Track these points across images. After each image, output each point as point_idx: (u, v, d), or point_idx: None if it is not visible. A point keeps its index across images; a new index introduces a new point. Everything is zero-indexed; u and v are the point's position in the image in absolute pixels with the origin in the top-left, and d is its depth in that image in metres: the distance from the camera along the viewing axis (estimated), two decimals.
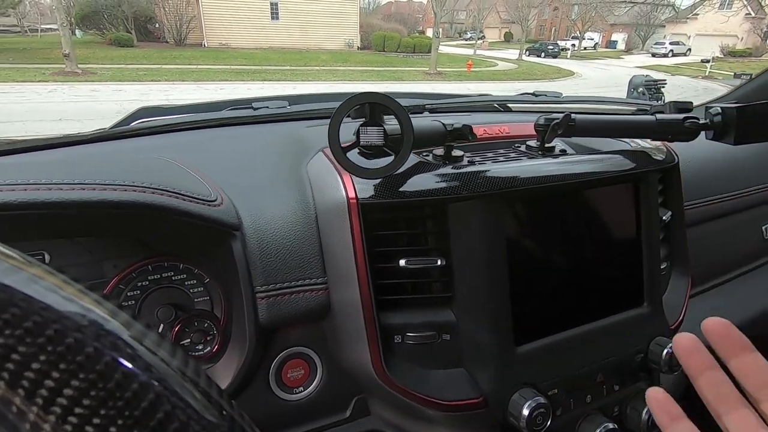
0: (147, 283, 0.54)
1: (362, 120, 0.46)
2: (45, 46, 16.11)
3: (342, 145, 0.41)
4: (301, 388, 0.57)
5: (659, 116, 0.59)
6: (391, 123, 0.46)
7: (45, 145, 0.67)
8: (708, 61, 18.93)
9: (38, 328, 0.14)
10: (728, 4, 27.70)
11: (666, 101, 1.67)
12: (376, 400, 0.60)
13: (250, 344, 0.50)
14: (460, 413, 0.52)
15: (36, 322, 0.14)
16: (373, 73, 13.93)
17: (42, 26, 25.61)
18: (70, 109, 7.56)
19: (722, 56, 24.97)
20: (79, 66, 11.17)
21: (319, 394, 0.57)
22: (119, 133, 0.73)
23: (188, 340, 0.55)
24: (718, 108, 0.58)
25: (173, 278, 0.55)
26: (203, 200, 0.48)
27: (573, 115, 0.57)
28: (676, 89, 12.78)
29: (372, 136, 0.43)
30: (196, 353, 0.55)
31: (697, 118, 0.58)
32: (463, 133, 0.54)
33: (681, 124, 0.58)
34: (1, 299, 0.14)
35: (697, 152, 0.83)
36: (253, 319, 0.50)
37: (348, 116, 0.44)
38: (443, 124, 0.53)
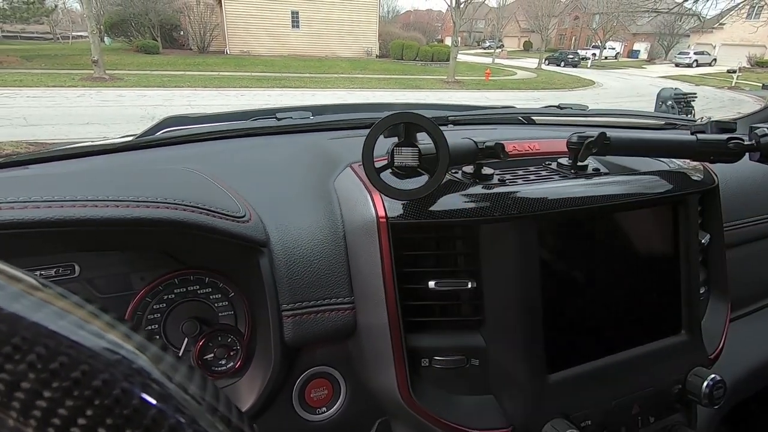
0: (173, 296, 0.54)
1: (393, 137, 0.45)
2: (75, 52, 16.71)
3: (376, 166, 0.40)
4: (324, 409, 0.56)
5: (700, 136, 0.57)
6: (424, 142, 0.45)
7: (76, 154, 0.68)
8: (734, 72, 18.47)
9: (65, 370, 0.14)
10: (756, 14, 27.01)
11: (696, 115, 1.61)
12: (400, 425, 0.58)
13: (275, 363, 0.50)
14: None
15: (63, 363, 0.14)
16: (391, 81, 13.99)
17: (73, 33, 26.61)
18: (97, 113, 7.80)
19: (749, 66, 24.32)
20: (107, 72, 11.54)
21: (342, 415, 0.56)
22: (147, 142, 0.74)
23: (212, 355, 0.54)
24: (765, 129, 0.55)
25: (198, 292, 0.55)
26: (232, 216, 0.48)
27: (608, 133, 0.55)
28: (701, 100, 12.46)
29: (407, 157, 0.42)
30: (219, 368, 0.55)
31: (742, 139, 0.56)
32: (495, 152, 0.52)
33: (724, 145, 0.55)
34: (25, 337, 0.13)
35: (735, 171, 0.79)
36: (278, 337, 0.49)
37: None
38: (475, 142, 0.52)
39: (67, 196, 0.39)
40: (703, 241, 0.64)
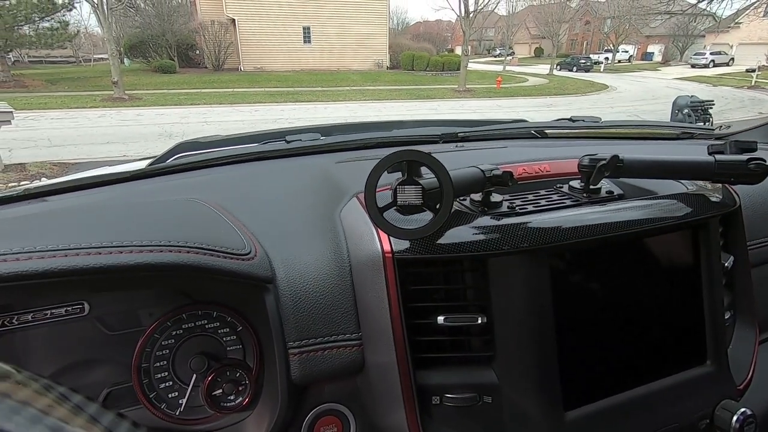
0: (181, 331, 0.54)
1: (397, 172, 0.45)
2: (96, 74, 17.33)
3: (379, 206, 0.39)
4: None
5: (719, 157, 0.54)
6: (428, 176, 0.44)
7: (89, 185, 0.69)
8: (753, 71, 18.04)
9: None
10: None
11: (714, 123, 1.56)
12: None
13: (282, 402, 0.49)
14: None
15: None
16: (402, 92, 14.07)
17: (94, 56, 27.64)
18: (117, 132, 8.04)
19: None
20: (126, 92, 11.92)
21: None
22: (158, 170, 0.75)
23: (220, 390, 0.54)
24: None
25: (206, 326, 0.55)
26: (237, 255, 0.47)
27: (622, 155, 0.53)
28: (719, 100, 12.19)
29: (410, 195, 0.41)
30: (228, 404, 0.54)
31: (763, 160, 0.53)
32: (503, 180, 0.51)
33: (744, 167, 0.53)
34: None
35: (758, 185, 0.76)
36: (285, 375, 0.49)
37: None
38: (482, 170, 0.51)
39: (72, 243, 0.39)
40: (726, 264, 0.62)
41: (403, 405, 0.48)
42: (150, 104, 11.28)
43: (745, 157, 0.54)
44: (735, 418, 0.52)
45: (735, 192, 0.62)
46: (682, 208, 0.55)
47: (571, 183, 0.62)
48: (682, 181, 0.63)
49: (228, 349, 0.56)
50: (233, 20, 19.79)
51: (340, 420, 0.54)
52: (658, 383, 0.53)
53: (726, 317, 0.62)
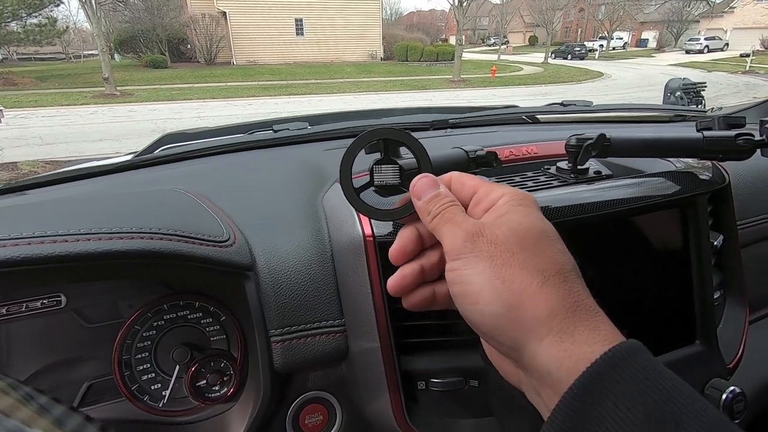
0: (162, 322, 0.53)
1: (375, 153, 0.43)
2: (87, 71, 17.13)
3: (354, 186, 0.38)
4: None
5: (707, 133, 0.53)
6: (409, 157, 0.43)
7: (71, 177, 0.68)
8: (748, 56, 18.04)
9: None
10: None
11: (706, 105, 1.55)
12: None
13: (264, 389, 0.48)
14: None
15: None
16: (397, 83, 14.00)
17: (84, 52, 27.31)
18: (109, 129, 7.97)
19: (763, 49, 23.71)
20: (118, 88, 11.80)
21: None
22: (143, 161, 0.73)
23: (204, 381, 0.53)
24: None
25: (189, 317, 0.54)
26: (215, 242, 0.46)
27: (608, 134, 0.52)
28: (714, 86, 12.19)
29: (387, 175, 0.39)
30: (213, 394, 0.53)
31: (752, 135, 0.52)
32: (488, 160, 0.50)
33: (733, 142, 0.52)
34: None
35: (748, 164, 0.75)
36: (267, 364, 0.48)
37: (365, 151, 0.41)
38: (466, 151, 0.50)
39: (36, 231, 0.38)
40: (715, 243, 0.61)
41: (387, 391, 0.47)
42: (142, 100, 11.17)
43: (733, 132, 0.53)
44: (724, 396, 0.52)
45: (725, 170, 0.61)
46: (670, 186, 0.54)
47: (559, 164, 0.61)
48: (671, 159, 0.62)
49: (212, 339, 0.55)
50: (224, 13, 19.57)
51: (326, 408, 0.54)
52: None
53: (715, 297, 0.61)
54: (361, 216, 0.46)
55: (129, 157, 0.87)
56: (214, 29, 18.89)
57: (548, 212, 0.48)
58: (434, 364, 0.49)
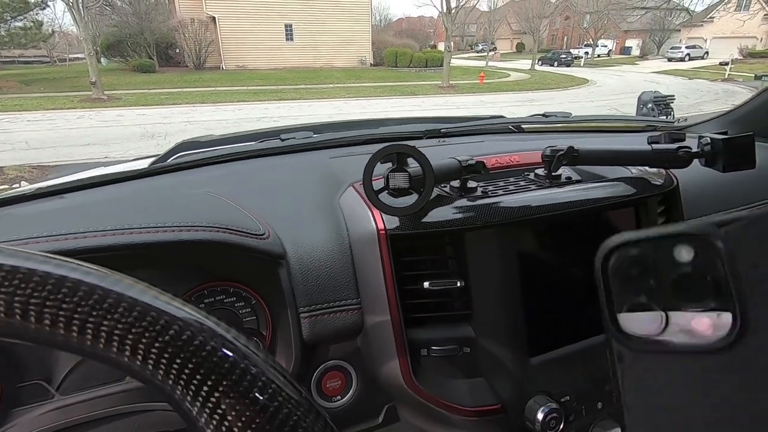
0: (203, 306, 0.62)
1: (387, 162, 0.54)
2: (73, 74, 16.93)
3: (374, 189, 0.48)
4: (339, 397, 0.64)
5: (655, 146, 0.65)
6: (413, 165, 0.53)
7: (97, 183, 0.74)
8: (727, 64, 18.63)
9: (177, 334, 0.21)
10: (745, 6, 27.26)
11: (676, 117, 1.69)
12: (405, 408, 0.66)
13: (296, 358, 0.58)
14: (481, 418, 0.58)
15: (175, 330, 0.21)
16: (387, 89, 14.12)
17: (70, 56, 26.92)
18: (97, 133, 7.90)
19: (741, 58, 24.52)
20: (105, 92, 11.69)
21: (354, 402, 0.64)
22: (161, 168, 0.81)
23: None
24: (708, 138, 0.64)
25: (225, 301, 0.63)
26: (254, 234, 0.56)
27: (576, 146, 0.64)
28: (694, 93, 12.59)
29: (399, 180, 0.50)
30: None
31: (690, 148, 0.64)
32: (477, 168, 0.61)
33: (674, 154, 0.64)
34: (155, 317, 0.21)
35: (698, 172, 0.88)
36: (298, 335, 0.58)
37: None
38: (459, 161, 0.61)
39: (125, 224, 0.47)
40: None
41: (397, 357, 0.57)
42: (130, 104, 11.09)
43: (675, 145, 0.65)
44: None
45: (674, 176, 0.73)
46: (627, 189, 0.66)
47: (536, 171, 0.72)
48: (630, 167, 0.73)
49: (244, 320, 0.64)
50: (214, 18, 19.54)
51: (344, 374, 0.64)
52: (605, 335, 0.63)
53: None
54: (375, 213, 0.57)
55: (137, 164, 0.94)
56: (203, 34, 18.84)
57: (526, 210, 0.59)
58: (434, 335, 0.59)
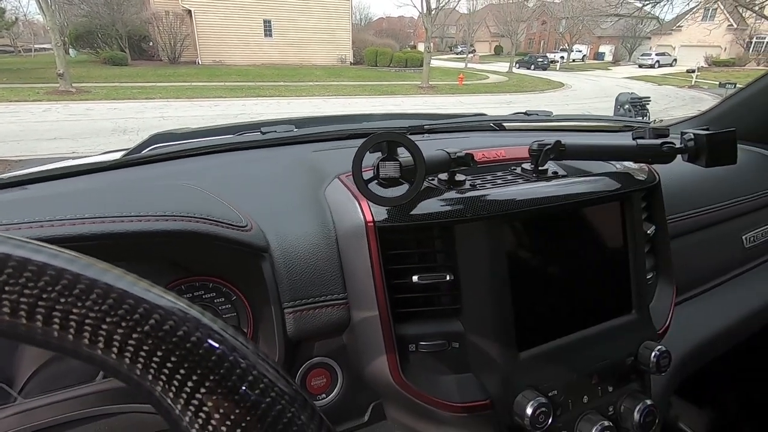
0: None
1: (377, 152, 0.52)
2: (39, 65, 16.19)
3: (364, 178, 0.47)
4: (324, 395, 0.62)
5: (640, 141, 0.66)
6: (404, 155, 0.52)
7: (68, 173, 0.71)
8: (693, 71, 19.45)
9: (158, 324, 0.19)
10: (710, 17, 28.51)
11: (651, 119, 1.75)
12: (392, 405, 0.65)
13: (279, 354, 0.56)
14: (470, 414, 0.57)
15: (156, 319, 0.19)
16: (367, 88, 14.10)
17: (35, 46, 25.74)
18: (65, 127, 7.60)
19: (707, 66, 25.64)
20: (74, 85, 11.23)
21: (340, 400, 0.62)
22: (136, 159, 0.78)
23: None
24: (691, 134, 0.65)
25: (203, 297, 0.61)
26: (237, 226, 0.54)
27: (563, 141, 0.64)
28: (664, 98, 13.07)
29: (389, 169, 0.49)
30: None
31: (673, 143, 0.65)
32: (466, 161, 0.60)
33: (659, 149, 0.65)
34: (132, 305, 0.19)
35: (679, 169, 0.90)
36: (282, 331, 0.55)
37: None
38: (448, 153, 0.59)
39: (105, 213, 0.44)
40: (648, 231, 0.74)
41: (385, 352, 0.55)
42: (100, 98, 10.69)
43: (659, 141, 0.66)
44: (653, 354, 0.64)
45: (656, 172, 0.74)
46: (612, 184, 0.66)
47: (523, 165, 0.72)
48: (614, 162, 0.74)
49: (224, 316, 0.61)
50: (189, 11, 19.06)
51: (329, 372, 0.62)
52: (594, 328, 0.64)
53: (649, 277, 0.74)
54: (363, 205, 0.55)
55: (108, 156, 0.90)
56: (179, 27, 18.34)
57: (514, 203, 0.58)
58: (423, 330, 0.58)
